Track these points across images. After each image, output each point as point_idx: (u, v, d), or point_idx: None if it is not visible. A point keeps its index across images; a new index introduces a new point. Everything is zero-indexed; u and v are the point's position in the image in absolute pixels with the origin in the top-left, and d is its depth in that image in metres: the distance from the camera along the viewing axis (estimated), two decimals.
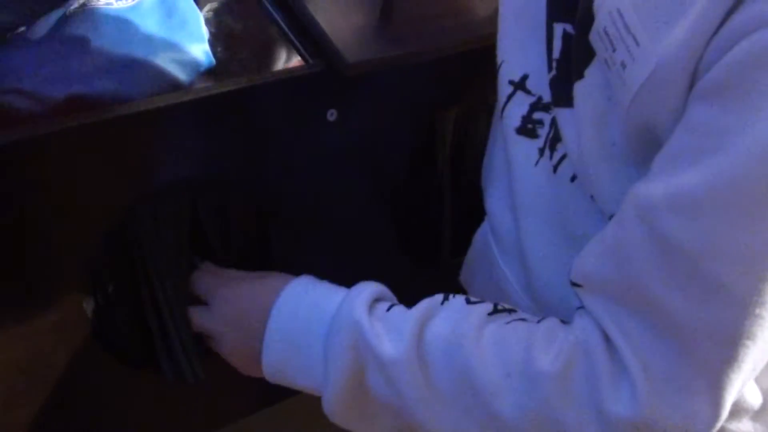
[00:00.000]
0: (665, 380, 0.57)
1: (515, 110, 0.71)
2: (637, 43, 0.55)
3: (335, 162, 0.81)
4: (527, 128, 0.71)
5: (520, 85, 0.71)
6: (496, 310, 0.66)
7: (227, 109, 0.72)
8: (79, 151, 0.66)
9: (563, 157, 0.68)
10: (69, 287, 0.73)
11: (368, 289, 0.69)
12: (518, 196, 0.73)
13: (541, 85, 0.69)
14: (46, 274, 0.70)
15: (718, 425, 0.57)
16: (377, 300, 0.69)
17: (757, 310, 0.53)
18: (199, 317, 0.77)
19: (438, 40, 0.80)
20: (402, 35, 0.78)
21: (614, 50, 0.57)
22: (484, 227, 0.81)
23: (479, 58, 0.79)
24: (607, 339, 0.60)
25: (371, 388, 0.66)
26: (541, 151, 0.70)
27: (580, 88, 0.62)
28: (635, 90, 0.56)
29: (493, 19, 0.74)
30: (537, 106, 0.70)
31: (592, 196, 0.64)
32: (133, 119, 0.67)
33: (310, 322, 0.69)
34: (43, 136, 0.63)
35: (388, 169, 0.87)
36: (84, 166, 0.67)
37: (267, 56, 0.86)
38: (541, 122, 0.70)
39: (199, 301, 0.77)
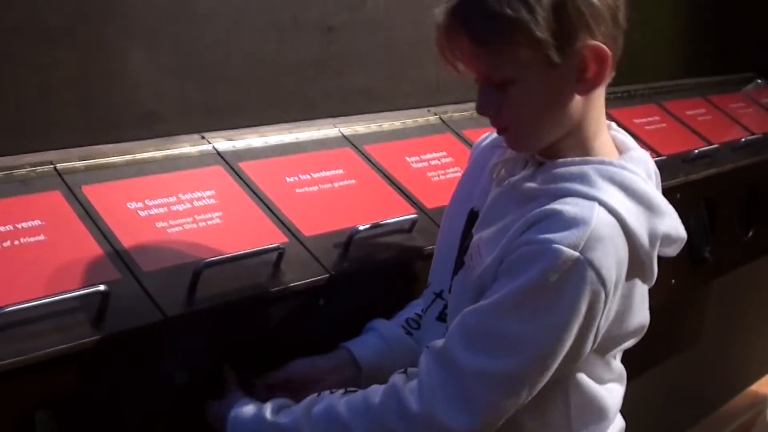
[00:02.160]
0: (441, 397, 1.10)
1: (436, 308, 1.33)
2: (480, 257, 1.19)
3: None
4: (442, 317, 1.31)
5: (439, 295, 1.33)
6: (347, 392, 1.21)
7: None
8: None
9: None
10: None
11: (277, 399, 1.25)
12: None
13: (447, 296, 1.31)
14: None
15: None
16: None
17: (510, 374, 1.09)
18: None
19: None
20: None
21: (471, 261, 1.22)
22: None
23: None
24: (406, 379, 1.15)
25: None
26: (447, 330, 1.27)
27: (455, 280, 1.27)
28: (478, 273, 1.18)
29: None
30: (446, 306, 1.30)
31: None
32: None
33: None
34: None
35: None
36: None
37: None
38: (447, 314, 1.30)
39: None
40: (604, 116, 1.23)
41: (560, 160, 1.18)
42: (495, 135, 1.34)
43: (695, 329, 2.83)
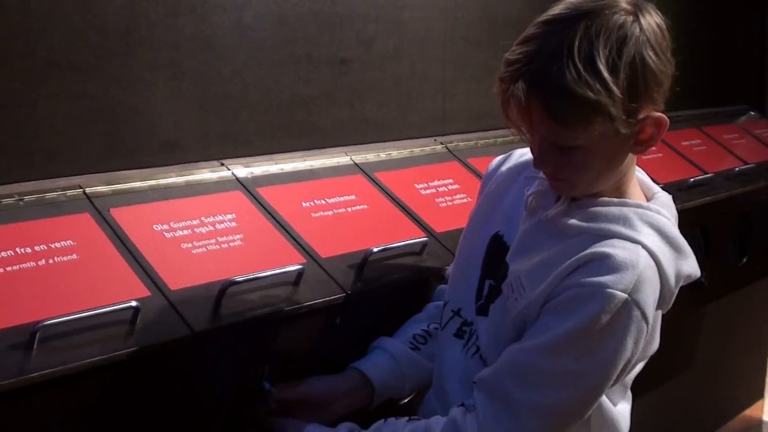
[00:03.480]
0: (497, 429, 1.21)
1: (453, 325, 1.41)
2: (524, 290, 1.25)
3: None
4: (459, 333, 1.39)
5: (457, 312, 1.40)
6: (411, 419, 1.31)
7: None
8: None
9: (477, 350, 1.35)
10: None
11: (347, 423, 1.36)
12: (445, 367, 1.41)
13: (467, 314, 1.38)
14: None
15: None
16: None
17: (555, 408, 1.20)
18: None
19: None
20: None
21: (512, 292, 1.27)
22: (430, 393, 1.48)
23: None
24: (464, 412, 1.24)
25: None
26: (464, 346, 1.37)
27: (493, 307, 1.33)
28: (520, 308, 1.24)
29: None
30: (464, 324, 1.39)
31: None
32: None
33: None
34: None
35: None
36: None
37: None
38: (466, 332, 1.38)
39: None
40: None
41: (597, 199, 1.25)
42: (516, 161, 1.42)
43: (690, 353, 2.89)
